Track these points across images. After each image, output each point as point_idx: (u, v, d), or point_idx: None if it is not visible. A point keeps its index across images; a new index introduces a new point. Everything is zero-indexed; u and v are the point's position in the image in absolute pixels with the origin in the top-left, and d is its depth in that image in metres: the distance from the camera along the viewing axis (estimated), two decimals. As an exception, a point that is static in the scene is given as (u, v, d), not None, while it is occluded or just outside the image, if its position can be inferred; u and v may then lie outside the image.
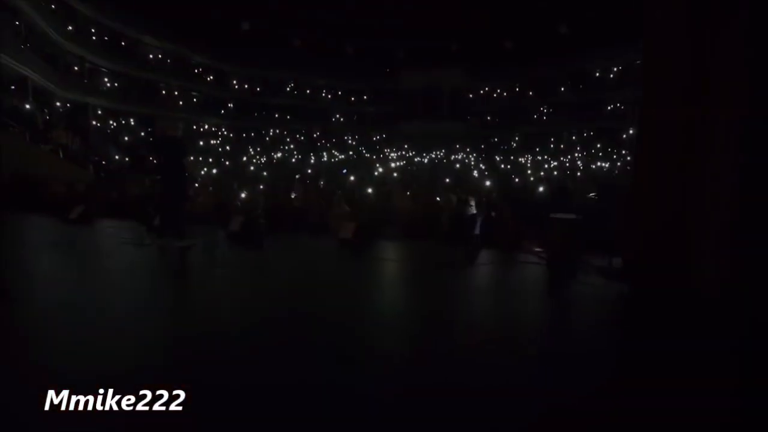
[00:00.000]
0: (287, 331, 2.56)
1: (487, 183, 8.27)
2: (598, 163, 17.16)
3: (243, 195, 7.74)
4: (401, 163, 16.78)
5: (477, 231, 6.20)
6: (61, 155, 12.17)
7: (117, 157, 16.01)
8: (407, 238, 6.08)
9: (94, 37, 20.76)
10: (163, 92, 25.11)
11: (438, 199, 6.93)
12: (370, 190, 7.25)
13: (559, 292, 3.80)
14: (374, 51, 32.77)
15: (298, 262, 4.66)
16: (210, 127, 29.89)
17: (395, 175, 11.55)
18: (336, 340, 2.42)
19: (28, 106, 12.81)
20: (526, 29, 27.43)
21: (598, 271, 4.34)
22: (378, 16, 29.98)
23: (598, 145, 27.33)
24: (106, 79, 22.00)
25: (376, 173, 11.74)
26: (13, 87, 13.23)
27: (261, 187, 9.48)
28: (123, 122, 22.54)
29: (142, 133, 23.62)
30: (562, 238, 4.65)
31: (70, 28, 18.70)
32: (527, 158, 22.79)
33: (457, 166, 16.21)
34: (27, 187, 9.65)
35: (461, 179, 10.34)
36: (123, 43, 22.86)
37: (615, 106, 28.29)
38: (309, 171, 14.61)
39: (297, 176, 11.38)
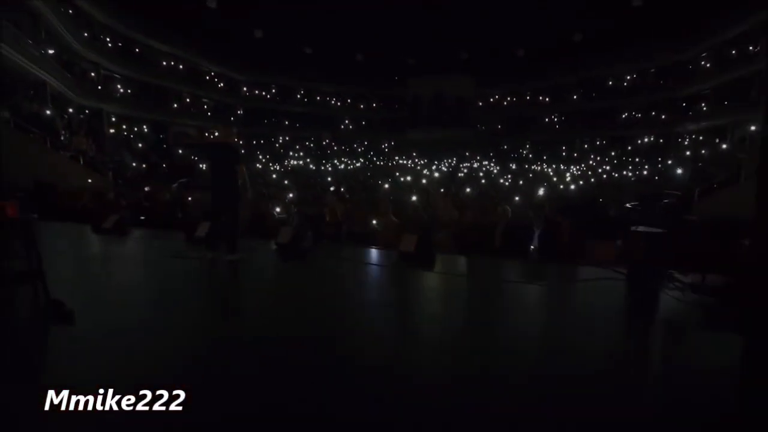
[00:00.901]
0: (394, 363, 2.27)
1: (540, 192, 7.96)
2: (622, 172, 16.82)
3: (278, 205, 7.46)
4: (424, 171, 16.53)
5: (535, 244, 5.92)
6: (81, 162, 11.96)
7: (134, 164, 15.80)
8: (462, 252, 5.76)
9: (109, 44, 20.68)
10: (187, 100, 24.97)
11: (492, 208, 6.62)
12: (414, 199, 6.95)
13: (652, 312, 3.50)
14: (383, 58, 32.73)
15: (370, 280, 4.35)
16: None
17: (424, 182, 11.27)
18: (465, 371, 2.14)
19: (48, 112, 12.63)
20: (537, 37, 27.34)
21: (691, 288, 4.02)
22: (387, 23, 29.98)
23: (612, 153, 27.18)
24: (119, 86, 21.90)
25: (402, 181, 11.48)
26: (32, 92, 13.06)
27: (290, 195, 9.22)
28: (135, 129, 22.39)
29: (154, 140, 23.53)
30: (647, 252, 4.35)
31: (86, 34, 18.62)
32: (546, 166, 22.60)
33: (481, 174, 15.97)
34: (53, 194, 9.41)
35: (497, 188, 10.09)
36: (137, 50, 22.79)
37: (629, 114, 28.12)
38: (329, 178, 14.38)
39: (331, 187, 11.08)
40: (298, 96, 34.07)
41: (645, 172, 15.64)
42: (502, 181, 12.43)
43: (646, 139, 27.11)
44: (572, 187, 11.78)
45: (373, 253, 5.55)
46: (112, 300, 3.32)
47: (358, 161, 29.50)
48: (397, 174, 15.68)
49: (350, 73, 33.41)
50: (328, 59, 31.22)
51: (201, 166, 18.85)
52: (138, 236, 6.53)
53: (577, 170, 19.42)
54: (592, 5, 23.47)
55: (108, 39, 20.68)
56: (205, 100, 28.21)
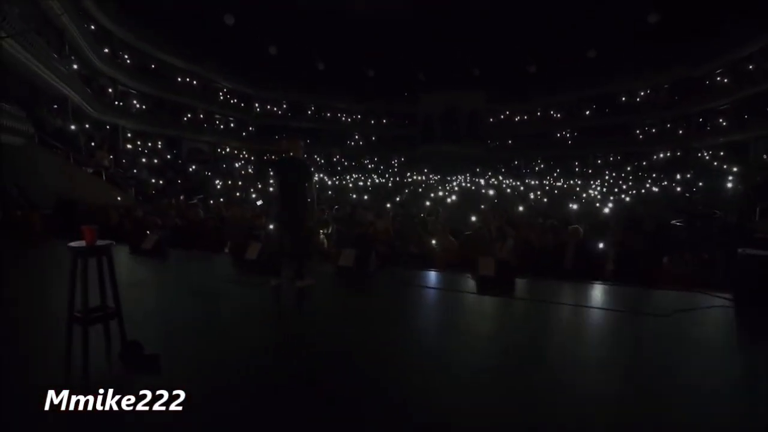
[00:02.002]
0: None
1: (606, 209, 7.52)
2: (649, 188, 16.41)
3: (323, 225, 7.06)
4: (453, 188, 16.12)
5: (611, 266, 5.49)
6: (103, 177, 11.66)
7: (153, 180, 15.51)
8: (534, 275, 5.31)
9: (128, 60, 20.71)
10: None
11: (557, 228, 6.19)
12: (474, 219, 6.54)
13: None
14: (394, 74, 32.89)
15: (464, 311, 3.91)
16: (232, 150, 29.69)
17: (450, 200, 10.83)
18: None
19: (73, 127, 12.39)
20: (550, 53, 27.44)
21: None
22: (399, 39, 30.25)
23: (628, 168, 26.91)
24: (135, 101, 21.84)
25: (433, 197, 11.08)
26: (55, 106, 12.86)
27: (326, 212, 8.84)
28: (150, 144, 22.24)
29: (169, 156, 23.35)
30: (762, 277, 3.93)
31: (106, 50, 18.62)
32: (563, 182, 22.27)
33: (508, 190, 15.62)
34: (77, 212, 9.04)
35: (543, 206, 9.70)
36: (153, 66, 22.84)
37: (643, 129, 27.97)
38: (353, 195, 14.02)
39: (387, 204, 10.56)
40: (309, 112, 34.13)
41: (678, 188, 15.15)
42: (539, 198, 12.03)
43: (661, 155, 26.91)
44: (610, 204, 11.38)
45: (440, 276, 5.11)
46: (191, 339, 2.90)
47: (369, 177, 29.28)
48: (420, 190, 15.36)
49: (361, 89, 33.56)
50: (339, 75, 31.38)
51: (216, 182, 18.58)
52: (180, 258, 6.11)
53: (600, 186, 19.05)
54: (605, 21, 23.63)
55: (126, 55, 20.72)
56: (217, 115, 28.19)
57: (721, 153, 22.30)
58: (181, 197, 14.34)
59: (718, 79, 23.39)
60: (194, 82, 25.67)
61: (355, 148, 35.98)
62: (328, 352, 2.75)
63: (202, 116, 26.43)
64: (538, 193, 13.94)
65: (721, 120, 23.15)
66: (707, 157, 23.09)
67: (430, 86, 33.58)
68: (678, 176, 20.83)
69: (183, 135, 25.17)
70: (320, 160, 34.38)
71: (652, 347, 3.01)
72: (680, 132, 25.95)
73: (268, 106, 32.17)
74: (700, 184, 17.38)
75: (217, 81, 27.45)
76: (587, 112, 30.59)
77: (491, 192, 11.97)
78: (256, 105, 31.44)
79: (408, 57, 31.25)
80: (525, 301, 4.07)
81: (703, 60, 23.43)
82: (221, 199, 10.66)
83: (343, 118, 35.76)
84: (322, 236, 6.91)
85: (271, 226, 6.42)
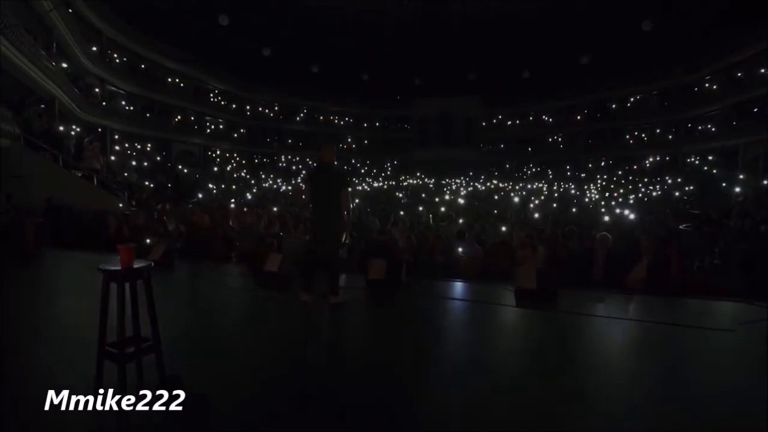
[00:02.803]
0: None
1: (631, 216, 7.36)
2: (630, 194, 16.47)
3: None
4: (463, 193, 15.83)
5: (642, 274, 5.32)
6: (95, 182, 11.08)
7: (146, 183, 14.92)
8: (562, 285, 5.08)
9: (116, 59, 20.01)
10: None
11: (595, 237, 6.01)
12: (504, 229, 6.32)
13: None
14: (389, 78, 32.73)
15: (511, 327, 3.67)
16: (223, 153, 29.03)
17: (458, 206, 10.56)
18: None
19: (62, 128, 11.77)
20: (543, 59, 27.66)
21: None
22: (394, 43, 30.12)
23: (619, 173, 27.22)
24: (123, 102, 21.12)
25: (439, 203, 10.84)
26: (43, 107, 12.22)
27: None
28: (139, 146, 21.52)
29: (158, 158, 22.64)
30: None
31: (95, 48, 17.94)
32: (557, 186, 22.31)
33: (512, 195, 15.52)
34: (70, 218, 8.53)
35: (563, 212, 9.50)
36: (142, 66, 22.16)
37: (633, 134, 28.40)
38: (356, 200, 13.66)
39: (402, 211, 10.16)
40: (302, 115, 33.68)
41: (676, 193, 15.25)
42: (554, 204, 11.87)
43: (651, 159, 27.34)
44: (618, 209, 11.34)
45: (476, 288, 4.87)
46: (229, 366, 2.58)
47: (364, 180, 28.97)
48: (424, 195, 15.16)
49: (355, 93, 33.29)
50: (333, 78, 31.04)
51: (210, 185, 18.04)
52: (192, 270, 5.73)
53: (596, 189, 19.15)
54: (598, 28, 23.91)
55: (115, 54, 20.02)
56: (208, 117, 27.54)
57: (710, 158, 22.72)
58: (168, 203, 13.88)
59: (707, 85, 23.89)
60: (184, 84, 25.02)
61: (347, 152, 35.61)
62: (376, 374, 2.46)
63: (192, 118, 25.77)
64: (542, 197, 13.89)
65: (710, 126, 23.63)
66: (696, 162, 23.50)
67: (425, 91, 33.51)
68: (669, 180, 21.13)
69: (172, 137, 24.47)
70: (313, 164, 33.98)
71: (731, 364, 2.80)
72: (670, 137, 26.41)
73: (260, 108, 31.60)
74: (691, 187, 17.63)
75: (207, 82, 26.82)
76: (579, 117, 30.93)
77: (516, 198, 11.78)
78: (248, 107, 30.85)
79: (403, 61, 31.14)
80: (574, 315, 3.83)
81: (692, 67, 23.92)
82: (232, 205, 10.21)
83: (336, 121, 35.39)
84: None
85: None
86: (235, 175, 23.90)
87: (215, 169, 24.85)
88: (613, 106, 29.04)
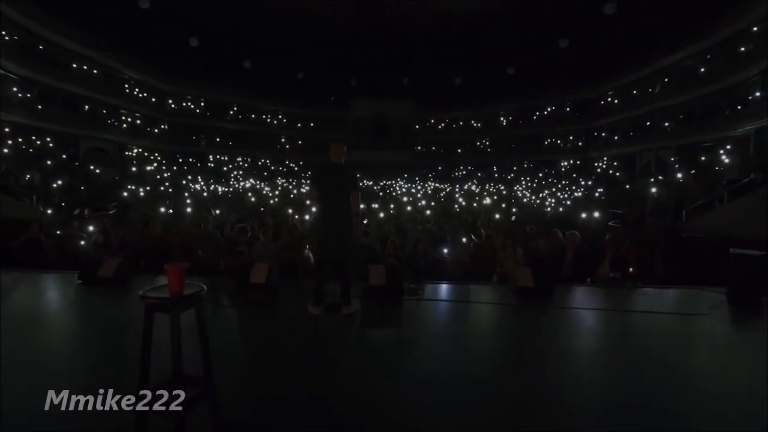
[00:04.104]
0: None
1: (596, 214, 8.01)
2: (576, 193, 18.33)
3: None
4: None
5: (607, 270, 5.88)
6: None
7: (54, 185, 12.78)
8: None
9: (5, 36, 16.84)
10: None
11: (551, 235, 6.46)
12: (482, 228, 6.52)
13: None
14: (324, 78, 32.22)
15: (529, 326, 3.77)
16: (141, 151, 26.07)
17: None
18: None
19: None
20: (474, 68, 29.41)
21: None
22: (332, 43, 29.76)
23: (540, 175, 29.97)
24: (15, 89, 17.89)
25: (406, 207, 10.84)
26: None
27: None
28: (39, 142, 18.40)
29: (64, 156, 19.60)
30: (747, 278, 4.52)
31: (-22, 24, 14.91)
32: (490, 187, 23.81)
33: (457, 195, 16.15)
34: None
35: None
36: (40, 47, 18.98)
37: (550, 141, 31.44)
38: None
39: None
40: (232, 112, 31.63)
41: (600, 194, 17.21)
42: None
43: (565, 163, 30.56)
44: (548, 208, 12.46)
45: (473, 289, 4.96)
46: (266, 408, 2.30)
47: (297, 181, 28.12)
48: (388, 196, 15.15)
49: (289, 91, 32.16)
50: (266, 75, 29.65)
51: (139, 189, 16.00)
52: (149, 284, 4.99)
53: (527, 190, 20.81)
54: (524, 44, 26.11)
55: (3, 32, 16.83)
56: (123, 111, 24.51)
57: (615, 163, 26.05)
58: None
59: (609, 99, 27.37)
60: (94, 71, 21.98)
61: (285, 152, 34.36)
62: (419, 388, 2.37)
63: (105, 111, 22.72)
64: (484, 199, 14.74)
65: (612, 135, 27.10)
66: (603, 166, 26.76)
67: (360, 92, 33.56)
68: (582, 182, 23.77)
69: (80, 132, 21.34)
70: (244, 164, 32.14)
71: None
72: (580, 144, 29.76)
73: (184, 104, 29.00)
74: (600, 189, 20.06)
75: (122, 71, 23.87)
76: (504, 123, 33.42)
77: (487, 200, 12.22)
78: (170, 101, 28.11)
79: (338, 61, 30.86)
80: (578, 311, 4.08)
81: (598, 83, 27.23)
82: (169, 210, 9.12)
83: (269, 120, 33.88)
84: (307, 252, 6.30)
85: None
86: (158, 177, 21.62)
87: (133, 169, 22.23)
88: (535, 114, 31.88)
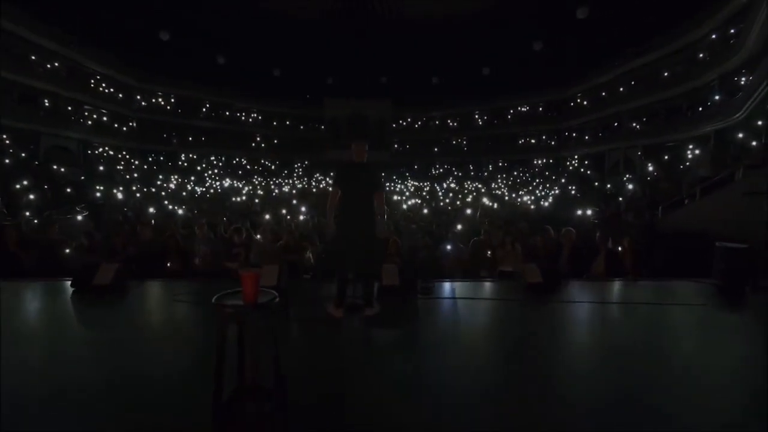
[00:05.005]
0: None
1: (588, 212, 8.29)
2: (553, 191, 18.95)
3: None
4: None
5: (602, 266, 6.12)
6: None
7: (18, 186, 11.92)
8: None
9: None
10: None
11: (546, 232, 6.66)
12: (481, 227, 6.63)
13: None
14: (300, 75, 31.75)
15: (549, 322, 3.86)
16: (107, 149, 24.77)
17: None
18: None
19: None
20: (451, 68, 29.84)
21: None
22: (308, 40, 29.35)
23: (515, 173, 30.81)
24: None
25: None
26: None
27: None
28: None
29: (23, 155, 18.31)
30: (735, 269, 4.84)
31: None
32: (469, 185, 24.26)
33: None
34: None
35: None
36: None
37: (524, 140, 32.36)
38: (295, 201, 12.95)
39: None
40: (204, 110, 30.60)
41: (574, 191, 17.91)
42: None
43: (538, 162, 31.56)
44: (532, 206, 12.86)
45: (483, 286, 5.07)
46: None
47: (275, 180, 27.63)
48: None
49: (265, 89, 31.49)
50: (241, 72, 28.87)
51: (121, 191, 15.11)
52: (157, 292, 4.78)
53: (501, 188, 21.33)
54: (498, 46, 26.71)
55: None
56: (87, 107, 23.20)
57: (586, 162, 27.15)
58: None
59: (579, 101, 28.49)
60: (56, 64, 20.67)
61: (261, 151, 33.61)
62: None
63: (70, 108, 21.43)
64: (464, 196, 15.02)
65: (582, 134, 28.23)
66: (575, 164, 27.81)
67: (336, 91, 33.33)
68: (554, 179, 24.63)
69: (41, 129, 20.03)
70: (218, 163, 31.20)
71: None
72: (552, 143, 30.82)
73: (154, 100, 27.79)
74: (574, 186, 20.89)
75: (86, 65, 22.58)
76: (480, 123, 34.10)
77: (485, 200, 12.37)
78: (138, 97, 26.85)
79: (315, 59, 30.47)
80: (590, 305, 4.23)
81: (568, 85, 28.29)
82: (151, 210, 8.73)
83: (244, 118, 33.04)
84: (308, 255, 6.22)
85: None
86: (127, 176, 20.62)
87: (101, 168, 21.09)
88: (509, 114, 32.71)
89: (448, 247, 6.02)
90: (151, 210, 8.12)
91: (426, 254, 6.20)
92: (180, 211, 8.35)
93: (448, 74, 30.38)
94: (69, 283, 4.65)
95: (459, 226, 7.32)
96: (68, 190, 16.14)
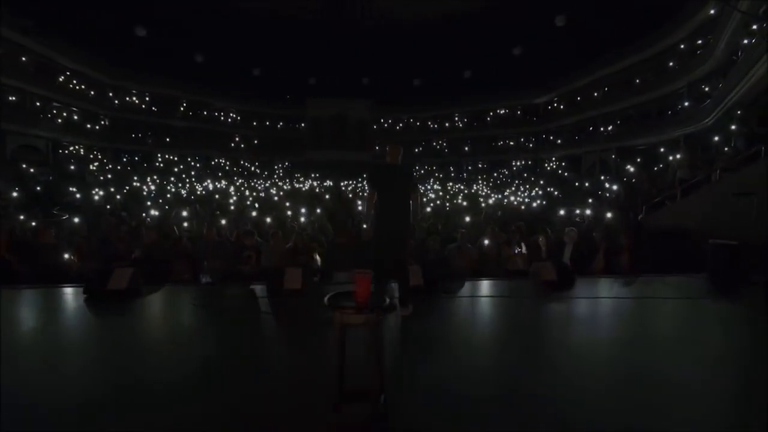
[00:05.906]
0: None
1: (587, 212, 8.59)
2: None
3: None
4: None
5: (601, 263, 6.40)
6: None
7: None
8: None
9: None
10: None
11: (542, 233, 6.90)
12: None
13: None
14: (281, 75, 31.35)
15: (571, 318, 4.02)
16: (78, 148, 23.64)
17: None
18: None
19: None
20: (433, 70, 30.25)
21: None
22: (290, 39, 29.04)
23: (495, 174, 31.50)
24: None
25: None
26: None
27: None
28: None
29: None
30: (727, 265, 5.20)
31: None
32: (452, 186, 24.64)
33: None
34: None
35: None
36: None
37: (504, 141, 33.14)
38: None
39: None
40: (182, 108, 29.69)
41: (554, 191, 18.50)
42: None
43: (517, 163, 32.43)
44: (522, 206, 13.22)
45: (498, 285, 5.21)
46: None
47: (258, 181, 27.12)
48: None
49: (244, 88, 30.88)
50: (220, 71, 28.19)
51: (92, 192, 14.39)
52: (176, 297, 4.65)
53: (483, 188, 21.74)
54: (480, 48, 27.30)
55: None
56: (57, 104, 22.07)
57: (563, 163, 28.12)
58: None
59: (556, 105, 29.49)
60: (22, 58, 19.55)
61: (241, 151, 32.90)
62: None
63: (38, 104, 20.30)
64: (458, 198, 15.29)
65: (559, 137, 29.22)
66: (554, 166, 28.74)
67: (318, 91, 33.10)
68: (534, 180, 25.36)
69: (6, 127, 18.88)
70: (196, 164, 30.33)
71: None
72: (530, 145, 31.74)
73: (128, 98, 26.73)
74: (554, 187, 21.61)
75: (56, 60, 21.47)
76: (460, 125, 34.67)
77: (486, 202, 12.52)
78: (111, 95, 25.75)
79: (297, 59, 30.18)
80: (606, 300, 4.45)
81: (546, 89, 29.23)
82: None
83: (222, 118, 32.27)
84: (316, 256, 6.21)
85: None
86: (101, 177, 19.74)
87: (72, 168, 20.12)
88: (488, 116, 33.42)
89: (458, 247, 6.14)
90: (154, 213, 7.83)
91: (435, 254, 6.31)
92: (184, 213, 8.09)
93: (429, 76, 30.79)
94: (78, 289, 4.51)
95: (467, 220, 7.49)
96: (38, 188, 15.40)
